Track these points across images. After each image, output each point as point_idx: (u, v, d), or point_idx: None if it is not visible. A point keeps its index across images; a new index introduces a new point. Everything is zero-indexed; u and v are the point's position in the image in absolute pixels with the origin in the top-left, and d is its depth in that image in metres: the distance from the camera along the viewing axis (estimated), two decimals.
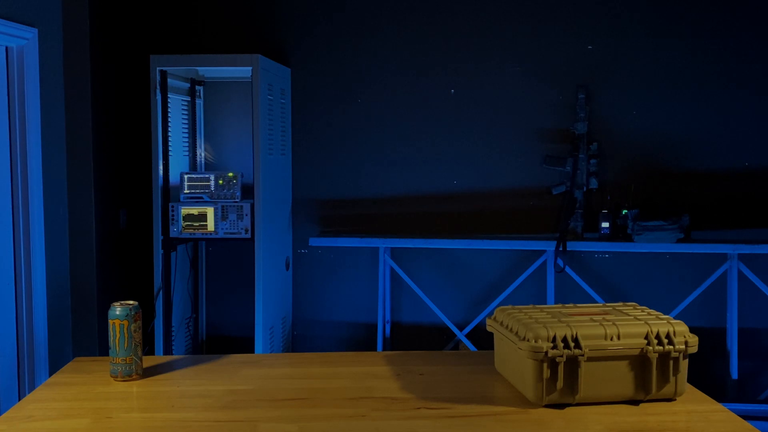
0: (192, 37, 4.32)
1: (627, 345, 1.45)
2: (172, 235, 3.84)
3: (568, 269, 4.17)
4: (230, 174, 3.88)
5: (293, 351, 4.41)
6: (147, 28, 4.27)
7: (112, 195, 3.93)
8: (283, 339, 4.25)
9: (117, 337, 1.62)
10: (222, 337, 4.46)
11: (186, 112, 4.23)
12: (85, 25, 3.64)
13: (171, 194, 3.92)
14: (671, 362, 1.46)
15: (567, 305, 1.70)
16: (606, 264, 4.29)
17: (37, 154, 3.40)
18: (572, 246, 4.08)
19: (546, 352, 1.42)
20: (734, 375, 4.11)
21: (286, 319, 4.31)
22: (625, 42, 4.21)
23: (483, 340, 4.25)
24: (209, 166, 4.38)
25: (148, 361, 1.76)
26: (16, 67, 3.30)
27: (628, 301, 1.71)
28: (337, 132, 4.34)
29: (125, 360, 1.63)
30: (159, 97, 3.81)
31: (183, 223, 3.83)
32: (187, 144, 4.25)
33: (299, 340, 4.46)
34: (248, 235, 3.81)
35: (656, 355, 1.45)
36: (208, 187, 3.87)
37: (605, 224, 4.07)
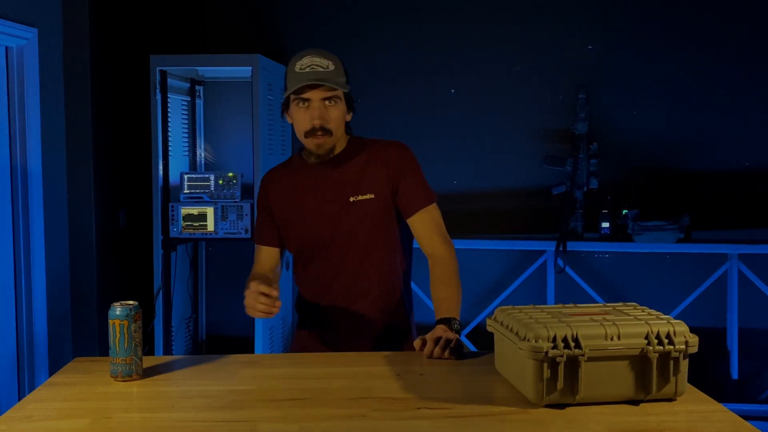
0: (192, 37, 4.32)
1: (627, 345, 1.45)
2: (172, 235, 3.84)
3: (568, 269, 4.17)
4: (230, 174, 3.88)
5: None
6: (147, 28, 4.27)
7: (112, 195, 3.93)
8: (283, 339, 4.25)
9: (117, 337, 1.62)
10: (222, 337, 4.45)
11: (186, 112, 4.23)
12: (85, 25, 3.64)
13: (171, 194, 3.92)
14: (671, 362, 1.46)
15: (567, 305, 1.70)
16: (606, 264, 4.29)
17: (37, 154, 3.40)
18: (572, 246, 4.08)
19: (546, 352, 1.42)
20: (734, 375, 4.11)
21: (286, 319, 4.31)
22: (625, 42, 4.21)
23: (483, 340, 4.25)
24: (209, 166, 4.38)
25: (148, 361, 1.76)
26: (16, 67, 3.30)
27: (628, 301, 1.71)
28: None
29: (125, 360, 1.63)
30: (159, 97, 3.81)
31: (183, 223, 3.83)
32: (187, 144, 4.25)
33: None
34: (248, 235, 3.81)
35: (656, 355, 1.45)
36: (208, 187, 3.87)
37: (605, 224, 4.07)
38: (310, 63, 1.98)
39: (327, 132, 2.00)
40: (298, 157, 2.17)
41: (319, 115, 1.98)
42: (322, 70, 1.97)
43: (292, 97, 1.99)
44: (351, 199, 2.07)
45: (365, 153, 2.12)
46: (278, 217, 2.17)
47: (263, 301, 1.81)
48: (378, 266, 2.10)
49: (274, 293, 1.81)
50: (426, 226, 2.09)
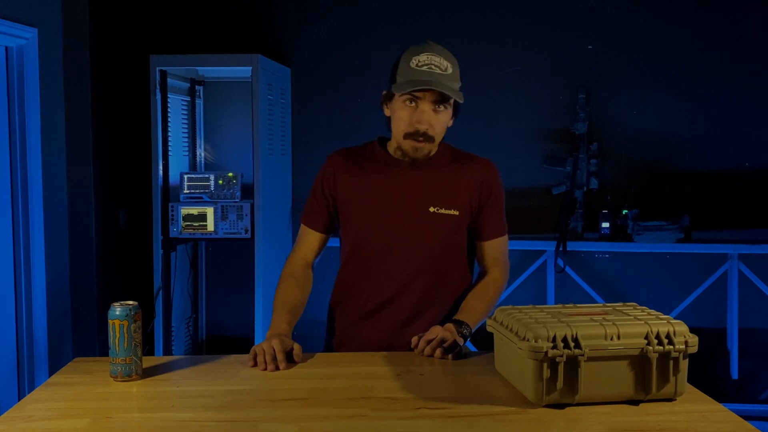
0: (192, 37, 4.32)
1: (627, 345, 1.45)
2: (171, 235, 3.84)
3: (568, 269, 4.17)
4: (230, 174, 3.88)
5: None
6: (147, 28, 4.27)
7: (112, 195, 3.93)
8: None
9: (117, 337, 1.62)
10: (222, 337, 4.45)
11: (186, 112, 4.23)
12: (85, 25, 3.64)
13: (171, 194, 3.92)
14: (671, 362, 1.46)
15: (567, 305, 1.70)
16: (606, 264, 4.29)
17: (37, 154, 3.40)
18: (572, 246, 4.08)
19: (546, 352, 1.42)
20: (734, 375, 4.11)
21: None
22: (625, 42, 4.21)
23: (483, 340, 4.24)
24: (209, 166, 4.38)
25: (148, 361, 1.76)
26: (16, 67, 3.30)
27: (628, 301, 1.71)
28: (337, 132, 4.34)
29: (125, 360, 1.63)
30: (159, 97, 3.81)
31: (183, 223, 3.83)
32: (187, 144, 4.25)
33: (299, 340, 4.44)
34: (248, 235, 3.81)
35: (656, 355, 1.45)
36: (208, 187, 3.87)
37: (605, 224, 4.07)
38: (428, 61, 1.86)
39: (429, 138, 1.89)
40: (378, 147, 2.04)
41: (427, 120, 1.87)
42: (439, 72, 1.86)
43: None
44: (431, 209, 1.94)
45: (456, 165, 2.00)
46: (342, 206, 2.03)
47: (269, 362, 1.73)
48: (449, 286, 2.02)
49: (282, 365, 1.73)
50: (494, 252, 2.04)
